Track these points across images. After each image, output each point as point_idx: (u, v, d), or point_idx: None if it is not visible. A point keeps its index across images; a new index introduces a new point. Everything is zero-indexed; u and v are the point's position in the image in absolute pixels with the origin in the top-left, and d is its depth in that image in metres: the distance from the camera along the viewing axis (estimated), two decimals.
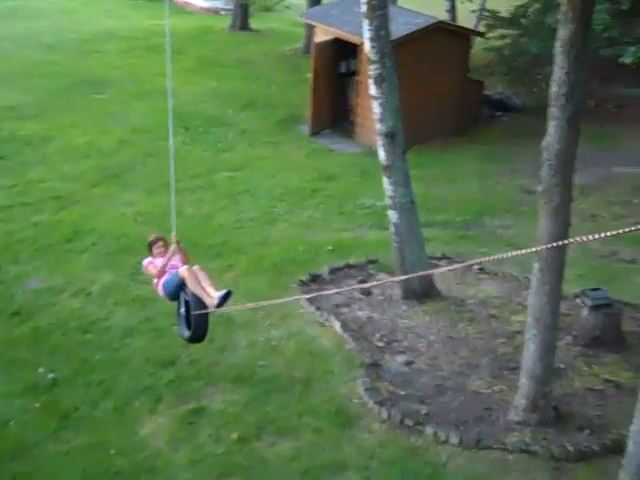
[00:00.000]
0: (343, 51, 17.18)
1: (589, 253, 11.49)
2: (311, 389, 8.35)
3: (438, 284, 10.26)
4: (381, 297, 10.13)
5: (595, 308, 8.98)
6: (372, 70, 9.48)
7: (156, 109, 17.66)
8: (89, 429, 7.86)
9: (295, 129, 17.33)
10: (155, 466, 7.40)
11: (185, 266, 7.46)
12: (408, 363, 8.73)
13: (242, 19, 26.01)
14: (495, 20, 20.93)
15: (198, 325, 7.42)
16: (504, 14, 20.84)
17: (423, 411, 7.89)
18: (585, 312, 9.05)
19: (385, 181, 9.88)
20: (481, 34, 19.14)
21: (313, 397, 8.25)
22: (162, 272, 7.57)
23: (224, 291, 7.21)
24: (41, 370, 8.61)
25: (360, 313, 9.73)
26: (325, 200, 13.57)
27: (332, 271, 10.65)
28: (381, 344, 9.07)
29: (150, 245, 7.91)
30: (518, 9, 20.63)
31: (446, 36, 16.56)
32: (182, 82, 19.65)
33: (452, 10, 22.44)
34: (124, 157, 15.08)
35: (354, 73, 16.97)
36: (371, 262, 10.99)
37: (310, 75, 17.22)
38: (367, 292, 10.16)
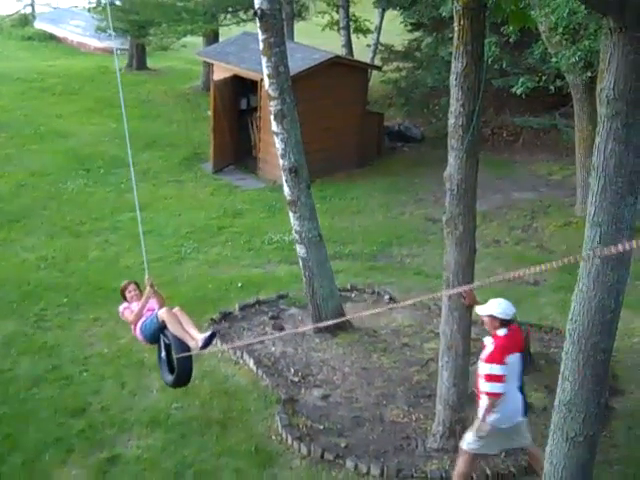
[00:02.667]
0: (243, 87, 17.26)
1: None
2: (228, 429, 8.22)
3: (349, 315, 10.29)
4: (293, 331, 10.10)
5: None
6: (272, 106, 9.52)
7: (54, 151, 17.36)
8: None
9: (198, 167, 17.25)
10: None
11: (164, 308, 7.34)
12: (324, 397, 8.71)
13: (139, 58, 25.85)
14: (390, 54, 21.52)
15: (182, 368, 7.29)
16: (399, 48, 21.44)
17: (343, 444, 7.86)
18: None
19: (291, 216, 9.91)
20: (378, 67, 19.57)
21: (231, 437, 8.12)
22: (139, 316, 7.50)
23: (208, 333, 7.18)
24: None
25: (273, 348, 9.66)
26: (232, 237, 13.51)
27: (243, 308, 10.57)
28: (296, 379, 9.02)
29: (123, 291, 7.85)
30: (412, 43, 21.28)
31: (343, 70, 16.83)
32: (81, 123, 19.39)
33: (348, 44, 22.88)
34: (23, 201, 14.67)
35: (255, 109, 17.04)
36: (282, 297, 10.95)
37: (210, 112, 17.20)
38: (279, 327, 10.12)
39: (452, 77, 7.03)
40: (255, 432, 8.17)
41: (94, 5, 25.30)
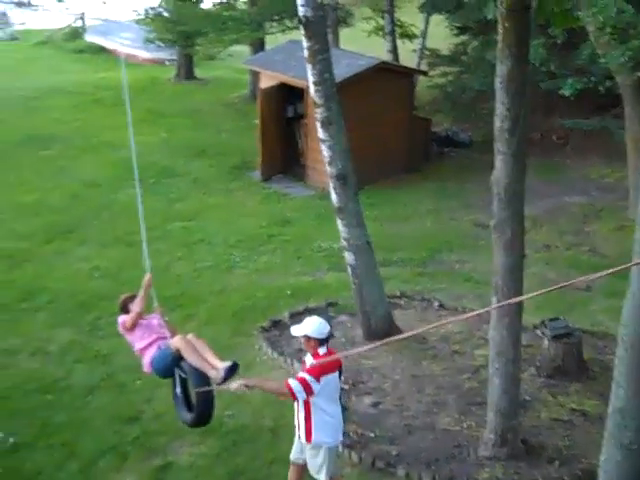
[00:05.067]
0: (290, 95, 17.35)
1: (545, 284, 11.64)
2: (280, 437, 8.25)
3: (399, 322, 10.29)
4: (343, 339, 10.12)
5: (555, 338, 9.09)
6: (318, 114, 9.56)
7: (106, 162, 17.62)
8: None
9: (247, 175, 17.37)
10: None
11: (177, 335, 6.58)
12: (375, 404, 8.71)
13: (187, 69, 26.11)
14: (436, 58, 21.42)
15: (203, 404, 6.54)
16: (445, 52, 21.33)
17: (394, 452, 7.85)
18: (546, 342, 9.15)
19: (339, 223, 9.93)
20: (424, 72, 19.49)
21: (282, 445, 8.13)
22: (136, 318, 6.77)
23: (230, 362, 6.33)
24: (1, 435, 8.38)
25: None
26: (281, 245, 13.58)
27: (292, 316, 10.62)
28: (347, 386, 9.03)
29: (125, 303, 7.08)
30: (458, 46, 21.16)
31: (390, 76, 16.81)
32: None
33: (394, 50, 22.83)
34: (76, 212, 14.93)
35: (302, 117, 17.12)
36: (331, 304, 10.98)
37: (258, 121, 17.32)
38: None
39: (497, 80, 6.99)
40: None
41: (143, 17, 25.63)
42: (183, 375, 6.63)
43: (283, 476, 7.68)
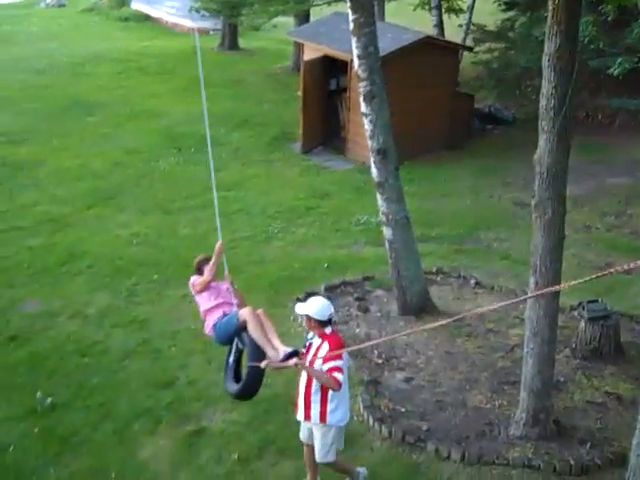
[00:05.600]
0: (332, 68, 17.26)
1: (584, 265, 11.53)
2: None
3: (435, 299, 10.27)
4: (378, 314, 10.13)
5: (592, 320, 9.00)
6: (361, 87, 9.50)
7: (148, 130, 17.77)
8: (89, 453, 7.79)
9: (287, 147, 17.39)
10: None
11: (248, 308, 6.61)
12: (407, 380, 8.72)
13: (231, 39, 26.14)
14: (482, 34, 21.11)
15: (252, 379, 6.57)
16: (491, 28, 21.03)
17: (424, 427, 7.86)
18: (583, 324, 9.07)
19: (378, 197, 9.89)
20: (469, 48, 19.25)
21: None
22: (207, 282, 6.88)
23: (291, 348, 6.37)
24: (39, 395, 8.53)
25: (358, 330, 9.71)
26: (320, 217, 13.60)
27: (328, 288, 10.65)
28: (380, 361, 9.06)
29: (198, 265, 7.21)
30: (505, 22, 20.83)
31: (434, 51, 16.63)
32: (173, 103, 19.75)
33: (439, 25, 22.54)
34: (117, 179, 15.10)
35: (344, 90, 17.03)
36: (367, 279, 10.99)
37: (300, 93, 17.28)
38: (365, 309, 10.16)
39: (545, 58, 6.88)
40: None
41: None
42: (241, 346, 6.67)
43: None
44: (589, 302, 9.19)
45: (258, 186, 15.08)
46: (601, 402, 8.24)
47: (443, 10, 22.84)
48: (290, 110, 18.78)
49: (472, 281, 10.92)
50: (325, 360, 6.32)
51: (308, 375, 6.49)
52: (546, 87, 6.93)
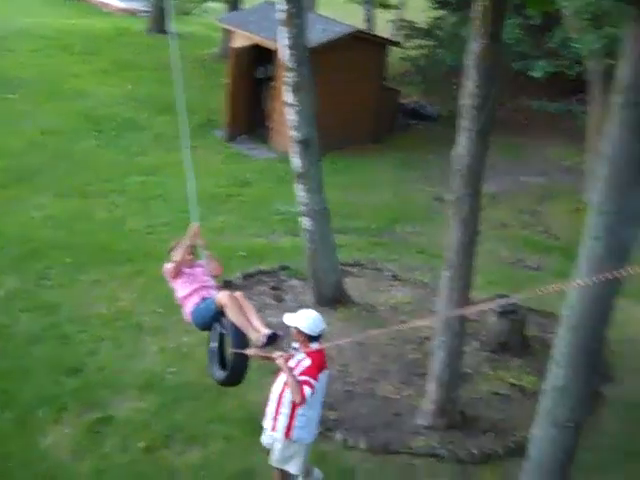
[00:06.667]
0: (261, 57, 17.16)
1: (498, 260, 11.76)
2: (222, 396, 8.24)
3: (350, 290, 10.32)
4: (293, 303, 10.11)
5: (502, 314, 9.19)
6: (289, 78, 9.47)
7: (68, 111, 17.32)
8: None
9: (212, 134, 17.21)
10: (57, 477, 7.18)
11: (225, 292, 6.52)
12: None
13: (160, 22, 25.71)
14: (412, 30, 21.30)
15: (238, 364, 6.42)
16: (421, 25, 21.22)
17: (332, 417, 7.90)
18: (492, 318, 9.25)
19: (299, 188, 9.89)
20: (398, 44, 19.38)
21: (224, 404, 8.18)
22: (179, 266, 6.72)
23: (273, 331, 6.32)
24: None
25: (273, 320, 9.68)
26: (239, 206, 13.51)
27: (244, 277, 10.60)
28: (292, 352, 9.03)
29: (172, 251, 7.07)
30: (435, 21, 21.06)
31: (363, 45, 16.69)
32: (96, 84, 19.32)
33: (370, 19, 22.67)
34: (34, 159, 14.67)
35: (271, 79, 16.95)
36: (283, 268, 10.98)
37: (227, 80, 17.13)
38: (279, 298, 10.15)
39: (469, 57, 6.98)
40: (249, 400, 8.20)
41: None
42: (222, 331, 6.53)
43: (221, 434, 7.76)
44: (499, 297, 9.36)
45: (179, 172, 14.74)
46: (505, 393, 8.45)
47: (374, 4, 22.96)
48: (216, 97, 18.57)
49: (388, 273, 11.01)
50: (301, 374, 6.22)
51: (283, 386, 6.38)
52: (469, 86, 7.04)
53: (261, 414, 7.90)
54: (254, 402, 8.15)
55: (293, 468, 6.64)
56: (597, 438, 7.78)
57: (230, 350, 6.43)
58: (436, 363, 7.84)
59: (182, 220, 12.63)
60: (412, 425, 7.86)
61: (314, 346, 6.28)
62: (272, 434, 6.58)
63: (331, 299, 10.03)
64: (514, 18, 15.10)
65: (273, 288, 10.37)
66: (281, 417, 6.42)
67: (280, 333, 6.39)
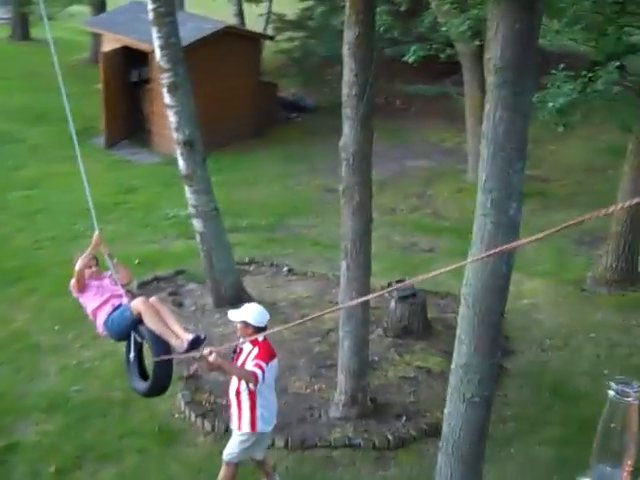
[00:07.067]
0: (133, 59, 16.81)
1: (392, 245, 11.97)
2: (131, 409, 8.10)
3: (249, 289, 10.29)
4: (193, 307, 10.03)
5: (401, 299, 9.36)
6: (165, 78, 9.34)
7: None
8: None
9: (90, 142, 16.70)
10: None
11: (140, 298, 6.21)
12: None
13: (22, 29, 24.83)
14: (282, 23, 21.36)
15: (160, 374, 6.13)
16: (291, 17, 21.30)
17: None
18: (392, 304, 9.42)
19: (187, 190, 9.77)
20: (270, 37, 19.41)
21: (134, 417, 8.03)
22: (81, 278, 6.30)
23: (195, 335, 6.03)
24: None
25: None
26: (128, 213, 13.24)
27: (141, 285, 10.40)
28: (197, 355, 8.93)
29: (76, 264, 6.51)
30: (304, 12, 21.17)
31: (236, 40, 16.63)
32: None
33: (240, 14, 22.58)
34: None
35: (147, 81, 16.65)
36: (180, 273, 10.86)
37: (100, 85, 16.71)
38: (179, 303, 10.02)
39: (345, 47, 7.04)
40: (158, 411, 8.10)
41: None
42: (140, 340, 6.20)
43: (134, 448, 7.60)
44: (397, 282, 9.54)
45: (61, 184, 14.41)
46: (413, 377, 8.61)
47: None
48: (91, 104, 18.06)
49: (285, 268, 11.04)
50: (252, 359, 6.17)
51: (237, 383, 6.30)
52: (347, 75, 7.10)
53: (173, 423, 7.87)
54: (165, 412, 8.06)
55: (259, 455, 6.74)
56: (503, 410, 8.05)
57: (153, 359, 6.14)
58: (343, 353, 7.91)
59: (70, 232, 12.37)
60: (326, 418, 7.92)
61: (261, 338, 6.22)
62: (239, 433, 6.52)
63: (231, 299, 9.93)
64: (383, 5, 15.33)
65: (171, 294, 10.23)
66: (244, 413, 6.37)
67: (202, 336, 6.16)
